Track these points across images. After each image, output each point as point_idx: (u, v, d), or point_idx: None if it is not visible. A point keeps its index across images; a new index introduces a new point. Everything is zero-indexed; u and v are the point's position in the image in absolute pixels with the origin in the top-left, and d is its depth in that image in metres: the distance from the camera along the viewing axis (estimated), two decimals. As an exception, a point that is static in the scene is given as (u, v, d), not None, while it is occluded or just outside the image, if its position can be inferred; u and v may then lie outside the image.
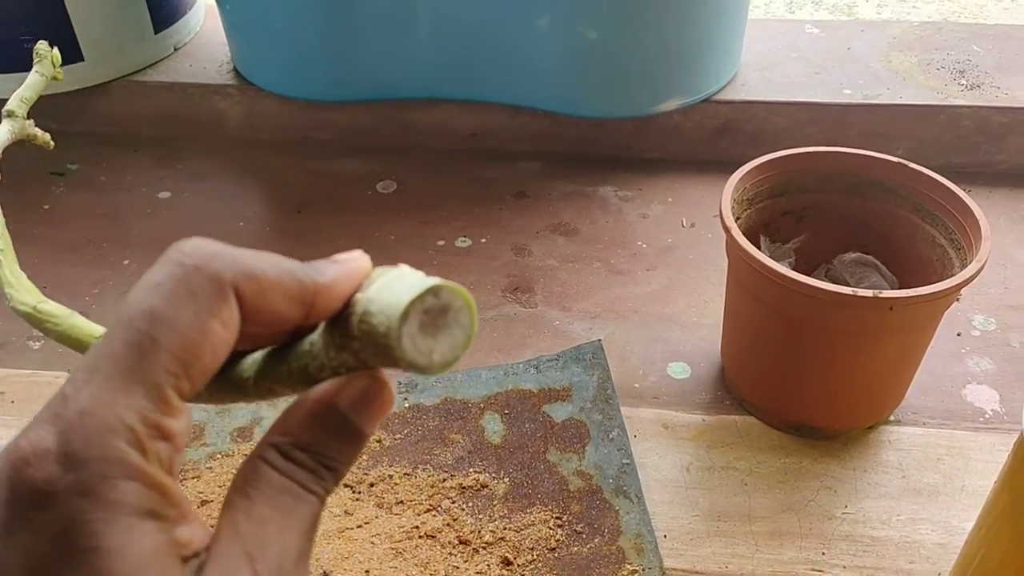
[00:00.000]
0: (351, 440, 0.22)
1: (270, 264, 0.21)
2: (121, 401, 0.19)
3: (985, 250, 0.49)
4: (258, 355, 0.24)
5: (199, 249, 0.20)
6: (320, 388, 0.22)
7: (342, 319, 0.21)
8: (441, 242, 0.73)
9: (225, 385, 0.24)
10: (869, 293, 0.46)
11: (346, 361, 0.21)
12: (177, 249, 0.21)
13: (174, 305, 0.20)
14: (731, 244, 0.52)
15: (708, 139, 0.82)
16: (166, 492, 0.19)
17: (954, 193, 0.53)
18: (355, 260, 0.22)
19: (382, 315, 0.20)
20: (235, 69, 0.86)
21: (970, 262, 0.49)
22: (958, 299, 0.66)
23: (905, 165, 0.55)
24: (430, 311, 0.20)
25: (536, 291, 0.68)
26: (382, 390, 0.22)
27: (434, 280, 0.20)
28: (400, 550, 0.47)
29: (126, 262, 0.70)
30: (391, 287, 0.20)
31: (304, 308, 0.21)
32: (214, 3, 0.84)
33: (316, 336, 0.22)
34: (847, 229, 0.59)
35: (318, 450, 0.22)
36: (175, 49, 0.89)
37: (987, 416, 0.57)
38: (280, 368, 0.23)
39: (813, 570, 0.48)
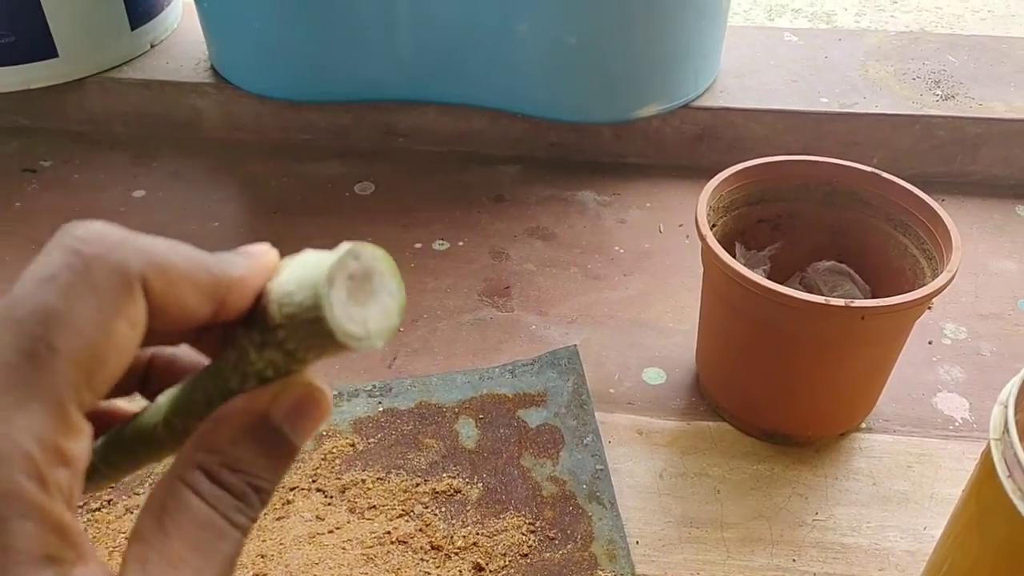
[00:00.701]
0: (284, 456, 0.20)
1: (181, 254, 0.19)
2: (17, 422, 0.16)
3: (956, 260, 0.50)
4: (161, 399, 0.21)
5: (100, 236, 0.18)
6: (248, 398, 0.19)
7: (257, 313, 0.19)
8: (418, 245, 0.72)
9: (128, 444, 0.21)
10: (841, 302, 0.47)
11: (272, 360, 0.19)
12: (72, 235, 0.18)
13: (73, 302, 0.17)
14: (706, 251, 0.52)
15: (687, 145, 0.82)
16: (65, 531, 0.16)
17: (926, 203, 0.54)
18: (264, 253, 0.20)
19: (305, 290, 0.18)
20: (213, 67, 0.85)
21: (941, 272, 0.50)
22: (930, 308, 0.66)
23: (878, 175, 0.56)
24: (354, 276, 0.18)
25: (513, 295, 0.68)
26: (320, 398, 0.20)
27: (349, 243, 0.18)
28: (371, 556, 0.46)
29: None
30: (303, 266, 0.19)
31: (215, 304, 0.19)
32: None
33: (230, 349, 0.20)
34: (822, 238, 0.59)
35: (249, 469, 0.19)
36: (152, 46, 0.88)
37: (957, 424, 0.58)
38: (195, 397, 0.20)
39: (783, 577, 0.49)
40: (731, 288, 0.51)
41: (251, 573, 0.44)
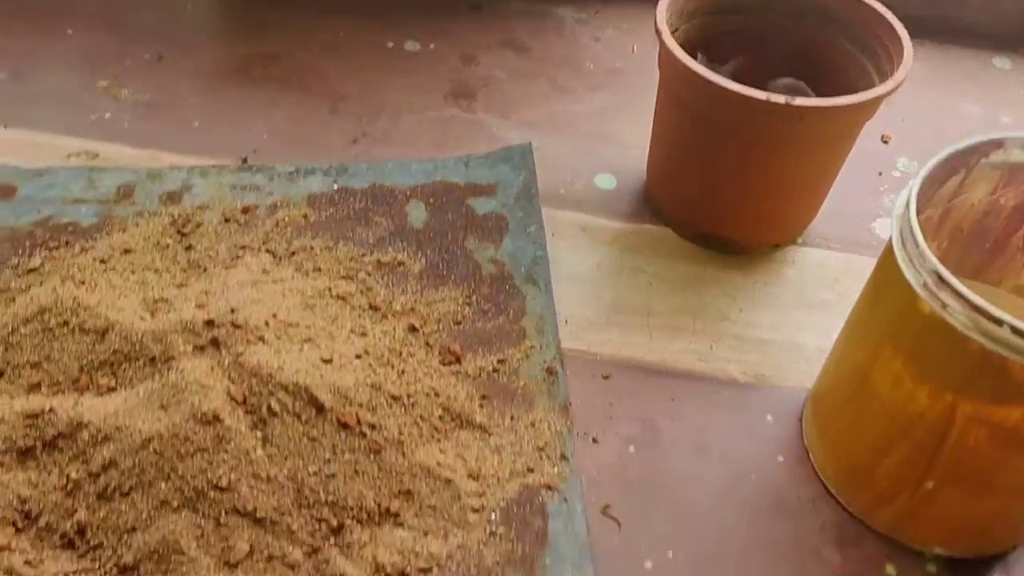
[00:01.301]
0: None
1: None
2: None
3: (903, 71, 0.50)
4: None
5: None
6: None
7: None
8: (390, 44, 0.72)
9: None
10: (781, 99, 0.48)
11: None
12: None
13: None
14: (661, 49, 0.52)
15: (673, -30, 0.80)
16: None
17: (889, 23, 0.53)
18: None
19: None
20: None
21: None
22: (886, 142, 0.67)
23: (847, -11, 0.55)
24: None
25: (478, 99, 0.68)
26: None
27: None
28: (311, 304, 0.49)
29: (69, 32, 0.69)
30: None
31: None
32: None
33: None
34: (784, 55, 0.59)
35: None
36: None
37: (891, 248, 0.59)
38: None
39: (698, 360, 0.52)
40: (680, 82, 0.52)
41: (193, 304, 0.46)
